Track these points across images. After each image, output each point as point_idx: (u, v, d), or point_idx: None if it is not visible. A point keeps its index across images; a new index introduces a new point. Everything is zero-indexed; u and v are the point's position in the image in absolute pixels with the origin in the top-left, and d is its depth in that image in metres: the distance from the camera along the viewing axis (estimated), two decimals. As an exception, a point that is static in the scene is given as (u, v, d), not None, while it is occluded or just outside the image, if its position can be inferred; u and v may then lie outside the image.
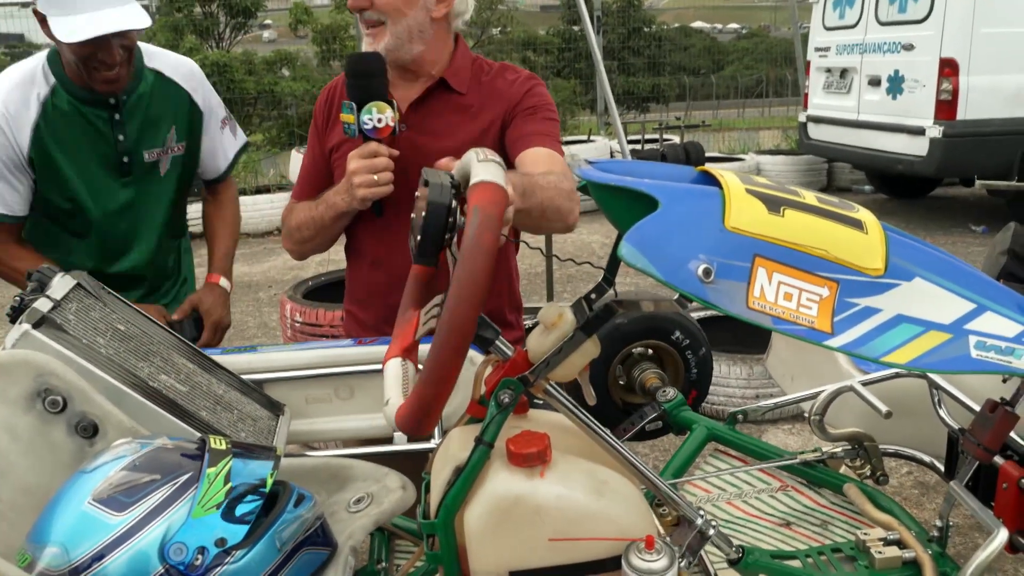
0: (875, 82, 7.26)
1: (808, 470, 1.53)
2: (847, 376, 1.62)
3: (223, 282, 2.34)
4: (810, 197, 1.12)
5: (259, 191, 8.40)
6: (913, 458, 1.56)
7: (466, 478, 1.13)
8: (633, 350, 1.86)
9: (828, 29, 7.96)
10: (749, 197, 1.06)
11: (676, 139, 8.27)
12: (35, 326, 1.42)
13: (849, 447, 1.52)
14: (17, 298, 1.48)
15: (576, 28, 16.75)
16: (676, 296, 1.05)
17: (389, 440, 1.82)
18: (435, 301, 1.19)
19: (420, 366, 1.13)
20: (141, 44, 2.13)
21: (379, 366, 1.29)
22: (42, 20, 1.92)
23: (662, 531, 1.24)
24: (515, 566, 1.11)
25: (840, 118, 7.72)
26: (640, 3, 19.34)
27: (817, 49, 8.06)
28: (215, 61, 11.30)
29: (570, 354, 1.13)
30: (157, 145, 2.14)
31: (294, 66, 13.27)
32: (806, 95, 8.30)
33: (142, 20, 1.94)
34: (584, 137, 9.28)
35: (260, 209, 7.99)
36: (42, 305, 1.46)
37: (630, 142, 8.31)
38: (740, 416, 1.62)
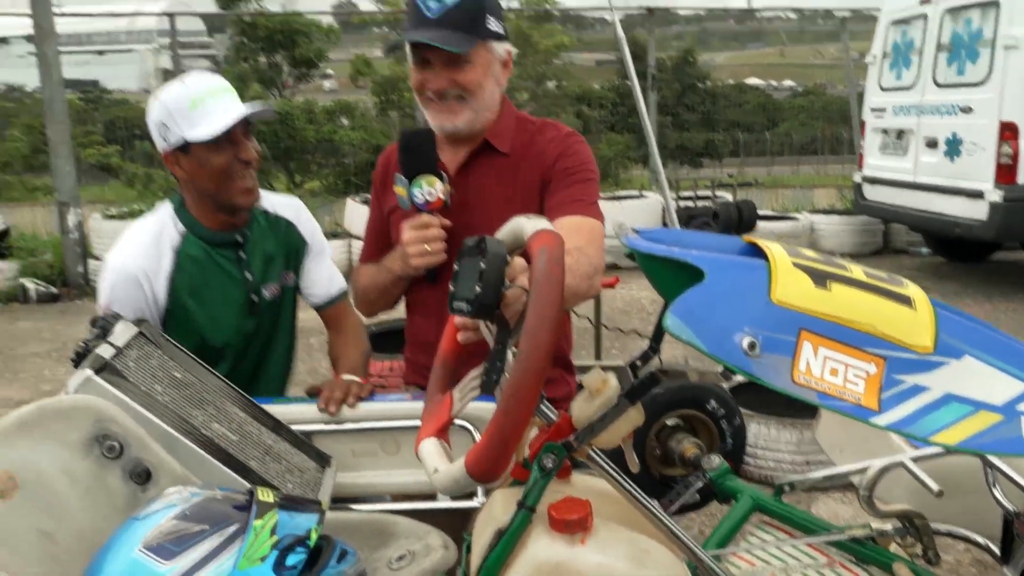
0: (932, 144, 7.19)
1: (856, 547, 1.50)
2: (898, 450, 1.59)
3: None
4: (858, 271, 1.12)
5: (315, 238, 8.56)
6: (966, 538, 1.52)
7: (507, 542, 1.14)
8: (667, 421, 1.85)
9: (884, 90, 7.92)
10: (796, 271, 1.07)
11: (728, 196, 8.25)
12: (97, 372, 1.47)
13: (899, 524, 1.49)
14: (82, 343, 1.54)
15: (628, 82, 16.94)
16: (721, 368, 1.05)
17: (432, 497, 1.83)
18: (472, 375, 1.22)
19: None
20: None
21: (426, 421, 1.31)
22: (176, 153, 1.95)
23: None
24: (554, 633, 1.11)
25: (897, 179, 7.64)
26: (695, 60, 19.46)
27: (873, 110, 8.01)
28: (277, 109, 11.62)
29: (614, 421, 1.14)
30: (274, 280, 2.13)
31: (353, 116, 13.57)
32: (861, 155, 8.24)
33: (267, 111, 2.08)
34: (636, 192, 9.30)
35: (315, 255, 8.13)
36: (104, 351, 1.52)
37: (682, 198, 8.33)
38: (787, 487, 1.60)
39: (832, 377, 1.03)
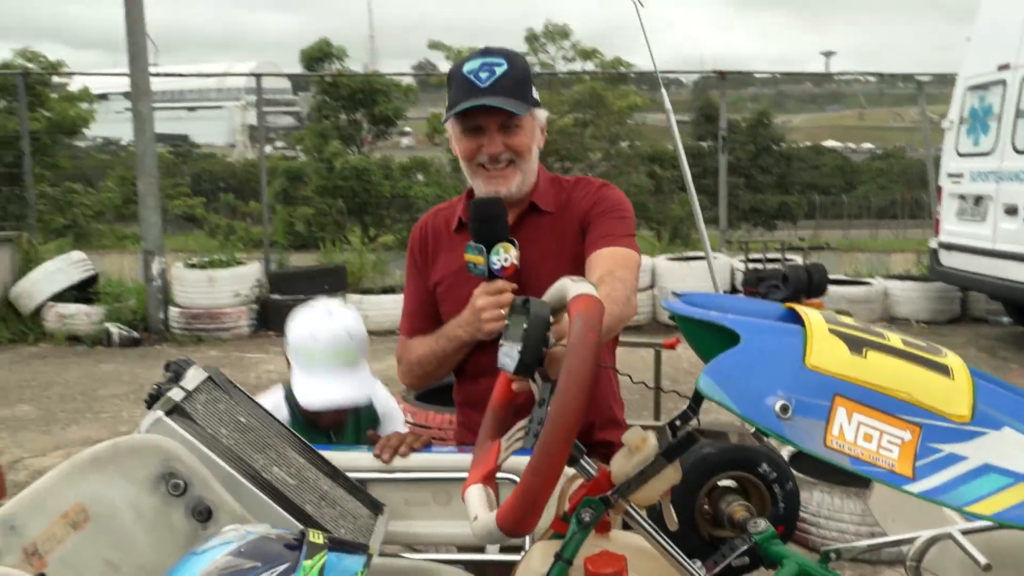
0: (1012, 211, 7.03)
1: (903, 616, 1.48)
2: (949, 521, 1.57)
3: None
4: (895, 340, 1.14)
5: (385, 291, 8.75)
6: None
7: (544, 593, 1.17)
8: (719, 482, 1.85)
9: (962, 155, 7.80)
10: (831, 337, 1.09)
11: (799, 259, 8.16)
12: (167, 413, 1.56)
13: (948, 596, 1.47)
14: (155, 386, 1.63)
15: (705, 144, 16.92)
16: (754, 430, 1.08)
17: (481, 549, 1.87)
18: (519, 425, 1.26)
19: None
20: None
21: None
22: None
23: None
24: None
25: (974, 246, 7.48)
26: (769, 121, 19.40)
27: (950, 175, 7.89)
28: (355, 165, 11.98)
29: (651, 478, 1.17)
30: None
31: (428, 172, 13.90)
32: (938, 221, 8.10)
33: (362, 396, 2.28)
34: (702, 253, 9.27)
35: (385, 309, 8.31)
36: (175, 395, 1.61)
37: (751, 260, 8.27)
38: (833, 555, 1.58)
39: (866, 443, 1.05)
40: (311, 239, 11.85)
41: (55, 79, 13.37)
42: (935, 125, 9.16)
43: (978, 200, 7.52)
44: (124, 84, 8.74)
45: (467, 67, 1.91)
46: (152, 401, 1.62)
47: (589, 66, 16.30)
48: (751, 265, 8.06)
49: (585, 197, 2.02)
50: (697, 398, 1.26)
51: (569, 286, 1.16)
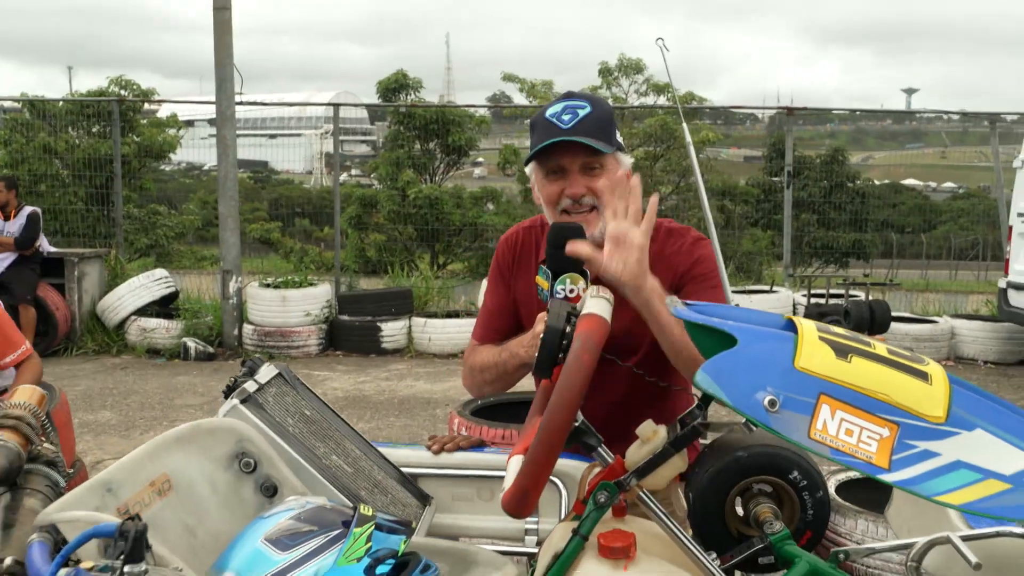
0: (1082, 252, 6.92)
1: (905, 616, 1.58)
2: (958, 530, 1.67)
3: None
4: (880, 348, 1.27)
5: (449, 315, 8.98)
6: None
7: (561, 564, 1.32)
8: (753, 485, 1.97)
9: (1033, 195, 7.71)
10: (820, 343, 1.23)
11: (863, 296, 8.13)
12: (242, 402, 1.76)
13: (947, 598, 1.57)
14: (232, 379, 1.85)
15: (776, 179, 16.85)
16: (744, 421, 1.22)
17: (520, 540, 2.02)
18: None
19: None
20: None
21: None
22: None
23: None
24: (596, 646, 1.27)
25: (1044, 287, 7.36)
26: (845, 158, 19.20)
27: (1020, 215, 7.79)
28: (427, 194, 12.30)
29: (659, 465, 1.32)
30: None
31: (499, 201, 14.15)
32: (1007, 261, 7.99)
33: None
34: (767, 287, 9.29)
35: (448, 332, 8.54)
36: (250, 386, 1.82)
37: (814, 295, 8.27)
38: (842, 555, 1.70)
39: (847, 437, 1.18)
40: (381, 264, 12.19)
41: (146, 106, 14.06)
42: (1007, 165, 9.05)
43: (1048, 240, 7.42)
44: (209, 111, 9.21)
45: (549, 111, 1.91)
46: (229, 391, 1.83)
47: (661, 100, 16.40)
48: (813, 300, 8.06)
49: (679, 253, 2.00)
50: (705, 398, 1.41)
51: (587, 300, 1.31)
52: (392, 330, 8.66)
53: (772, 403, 1.17)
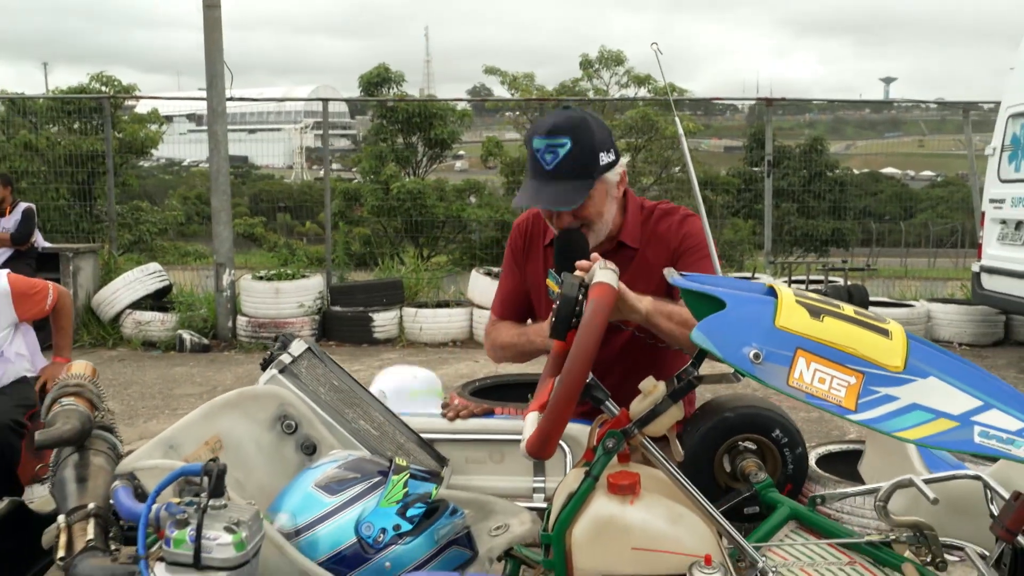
0: (1051, 236, 7.20)
1: (874, 550, 1.79)
2: (920, 474, 1.89)
3: None
4: (848, 310, 1.48)
5: (439, 305, 9.17)
6: (963, 549, 1.79)
7: (576, 502, 1.52)
8: (740, 442, 2.19)
9: (1004, 181, 7.97)
10: (797, 305, 1.44)
11: (842, 281, 8.41)
12: (280, 372, 1.95)
13: (911, 534, 1.78)
14: (268, 353, 2.04)
15: (757, 169, 17.11)
16: (733, 371, 1.42)
17: (529, 499, 2.22)
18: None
19: None
20: None
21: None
22: None
23: (726, 560, 1.57)
24: (608, 571, 1.48)
25: (1015, 270, 7.63)
26: (824, 147, 19.47)
27: (992, 200, 8.07)
28: (411, 188, 12.45)
29: (660, 415, 1.52)
30: None
31: (482, 194, 14.32)
32: (980, 245, 8.26)
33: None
34: (748, 275, 9.53)
35: (439, 322, 8.73)
36: (285, 359, 2.01)
37: (794, 281, 8.51)
38: (819, 499, 1.91)
39: (820, 384, 1.39)
40: (368, 257, 12.34)
41: (127, 102, 14.10)
42: (979, 153, 9.33)
43: (1019, 225, 7.69)
44: (187, 107, 9.30)
45: (535, 143, 2.03)
46: (266, 364, 2.02)
47: (642, 92, 16.57)
48: (793, 286, 8.31)
49: (669, 231, 2.21)
50: (699, 356, 1.61)
51: (596, 272, 1.51)
52: (384, 320, 8.84)
53: (757, 356, 1.38)
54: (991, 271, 7.99)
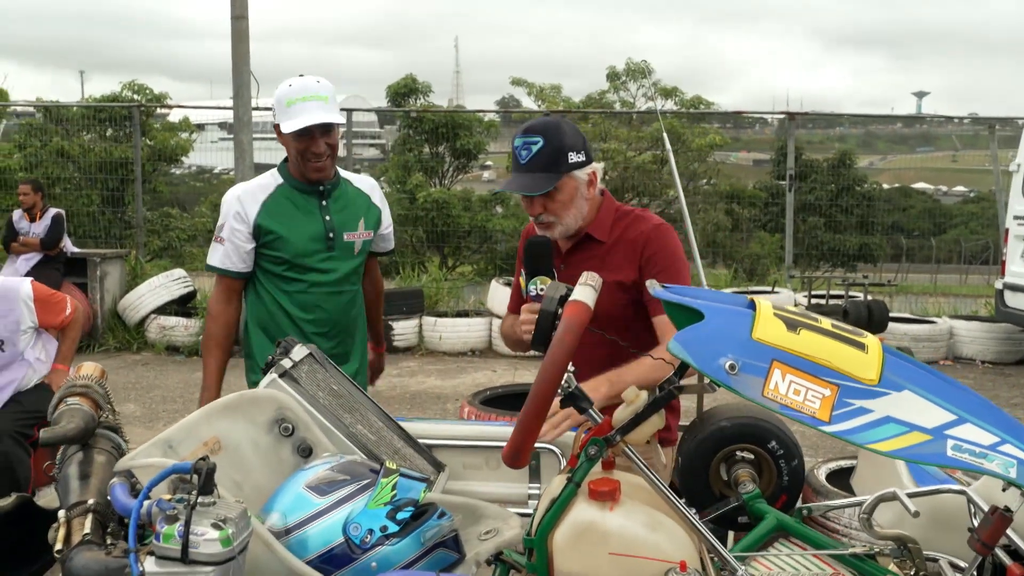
0: (1075, 253, 7.12)
1: (858, 562, 1.81)
2: (905, 488, 1.90)
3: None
4: (826, 323, 1.50)
5: (459, 315, 9.23)
6: (936, 560, 1.80)
7: (558, 507, 1.56)
8: (736, 452, 2.21)
9: (1028, 198, 7.91)
10: (774, 318, 1.47)
11: (862, 296, 8.35)
12: (280, 376, 2.01)
13: (895, 547, 1.80)
14: (270, 356, 2.09)
15: (782, 183, 17.04)
16: (708, 381, 1.45)
17: (524, 504, 2.26)
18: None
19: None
20: (340, 169, 3.01)
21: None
22: (277, 130, 2.83)
23: (708, 567, 1.59)
24: (586, 575, 1.51)
25: (1039, 287, 7.57)
26: (852, 161, 19.33)
27: (1016, 217, 8.01)
28: (436, 198, 12.54)
29: (641, 423, 1.55)
30: (352, 228, 2.96)
31: (507, 205, 14.41)
32: (1004, 262, 8.19)
33: (336, 118, 2.80)
34: (768, 288, 9.51)
35: (458, 331, 8.79)
36: (285, 363, 2.06)
37: (816, 296, 8.48)
38: (805, 511, 1.93)
39: (795, 395, 1.42)
40: (392, 266, 12.45)
41: (158, 110, 14.34)
42: (1005, 169, 9.26)
43: (1043, 242, 7.62)
44: (219, 115, 9.45)
45: (516, 141, 2.37)
46: (267, 368, 2.07)
47: (669, 104, 16.55)
48: (814, 301, 8.27)
49: (639, 236, 2.43)
50: (681, 366, 1.64)
51: (577, 287, 1.55)
52: (404, 329, 8.91)
53: (732, 367, 1.41)
54: (1014, 288, 7.93)
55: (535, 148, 2.32)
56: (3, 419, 3.67)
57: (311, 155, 2.81)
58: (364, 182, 3.10)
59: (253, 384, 2.93)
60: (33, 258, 8.27)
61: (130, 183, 11.30)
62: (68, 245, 8.73)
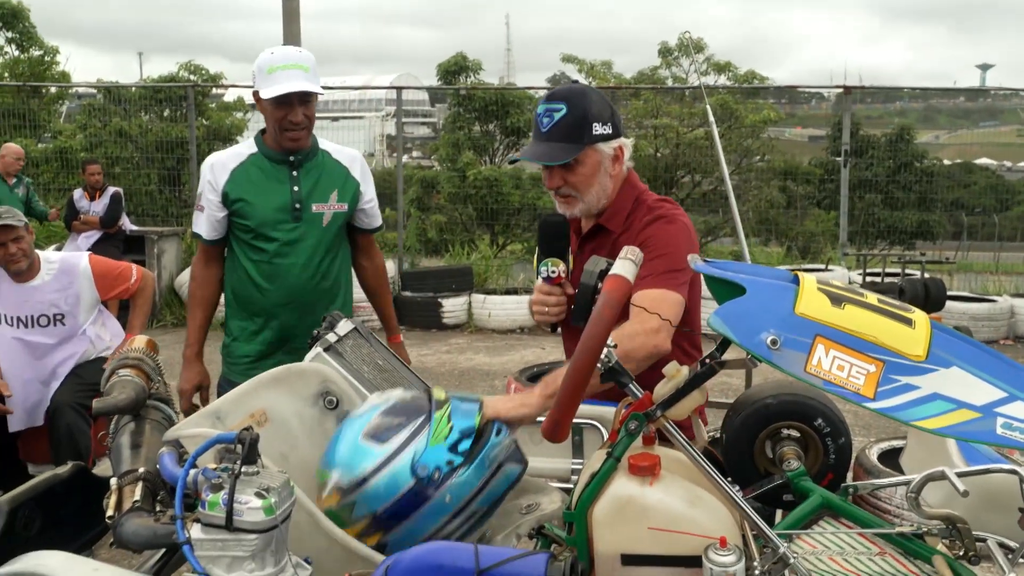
0: None
1: (905, 542, 1.78)
2: (955, 467, 1.86)
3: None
4: (872, 298, 1.47)
5: (508, 292, 9.25)
6: (985, 540, 1.76)
7: (597, 482, 1.56)
8: (782, 430, 2.18)
9: (1097, 173, 7.64)
10: (818, 293, 1.44)
11: (919, 274, 8.17)
12: (325, 350, 2.04)
13: (943, 526, 1.76)
14: (315, 331, 2.12)
15: (838, 159, 16.68)
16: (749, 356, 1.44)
17: (566, 480, 2.26)
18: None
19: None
20: (320, 139, 3.01)
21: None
22: (256, 97, 2.83)
23: (750, 543, 1.58)
24: (626, 550, 1.51)
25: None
26: (911, 137, 18.84)
27: (1083, 193, 7.73)
28: (487, 176, 12.53)
29: (682, 399, 1.54)
30: (322, 200, 2.93)
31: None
32: (1069, 239, 7.93)
33: (315, 88, 2.79)
34: (822, 266, 9.35)
35: (507, 308, 8.81)
36: (330, 338, 2.09)
37: (870, 274, 8.31)
38: (851, 490, 1.90)
39: (839, 371, 1.39)
40: (442, 244, 12.50)
41: (213, 90, 14.54)
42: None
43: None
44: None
45: (539, 107, 2.23)
46: (312, 342, 2.11)
47: (722, 79, 16.25)
48: (869, 278, 8.12)
49: (640, 225, 2.27)
50: (723, 342, 1.62)
51: (615, 263, 1.54)
52: (453, 306, 8.96)
53: (774, 342, 1.39)
54: (1081, 266, 7.67)
55: (557, 116, 2.18)
56: (65, 391, 3.78)
57: (288, 124, 2.81)
58: (344, 154, 3.07)
59: (224, 347, 3.04)
60: (93, 236, 8.47)
61: (186, 162, 11.48)
62: (126, 223, 8.93)
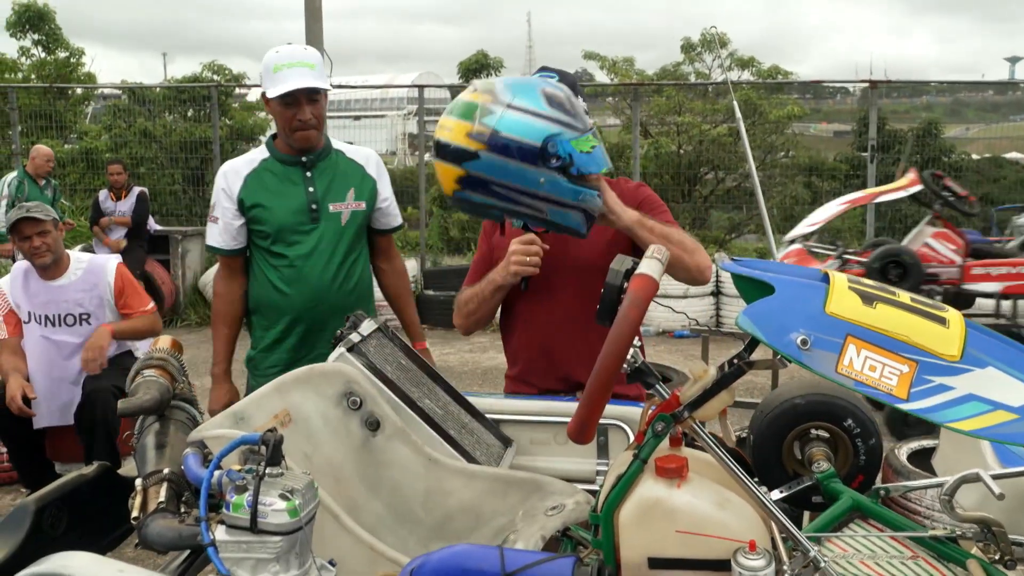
0: None
1: (938, 545, 1.74)
2: (990, 469, 1.82)
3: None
4: (904, 296, 1.44)
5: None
6: (1022, 545, 1.72)
7: (624, 484, 1.53)
8: (811, 430, 2.15)
9: None
10: (849, 292, 1.41)
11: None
12: (348, 350, 2.03)
13: (978, 530, 1.73)
14: (339, 331, 2.11)
15: (864, 154, 16.49)
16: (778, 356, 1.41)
17: (591, 481, 2.24)
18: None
19: None
20: (333, 139, 2.98)
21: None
22: (265, 99, 2.82)
23: (779, 546, 1.55)
24: (653, 553, 1.49)
25: None
26: (939, 131, 18.60)
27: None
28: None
29: (708, 400, 1.52)
30: (339, 199, 2.89)
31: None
32: (1101, 235, 7.80)
33: (322, 84, 2.76)
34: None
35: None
36: (354, 338, 2.08)
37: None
38: (883, 491, 1.87)
39: (871, 372, 1.36)
40: (464, 243, 12.48)
41: (236, 90, 14.62)
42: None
43: None
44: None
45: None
46: (336, 342, 2.10)
47: (745, 75, 16.12)
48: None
49: (627, 194, 2.36)
50: (752, 342, 1.60)
51: (644, 259, 1.52)
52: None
53: (804, 342, 1.36)
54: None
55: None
56: (102, 378, 3.81)
57: (297, 123, 2.77)
58: (359, 152, 3.03)
59: (249, 359, 2.99)
60: (118, 235, 8.54)
61: (210, 162, 11.55)
62: (151, 223, 9.00)
